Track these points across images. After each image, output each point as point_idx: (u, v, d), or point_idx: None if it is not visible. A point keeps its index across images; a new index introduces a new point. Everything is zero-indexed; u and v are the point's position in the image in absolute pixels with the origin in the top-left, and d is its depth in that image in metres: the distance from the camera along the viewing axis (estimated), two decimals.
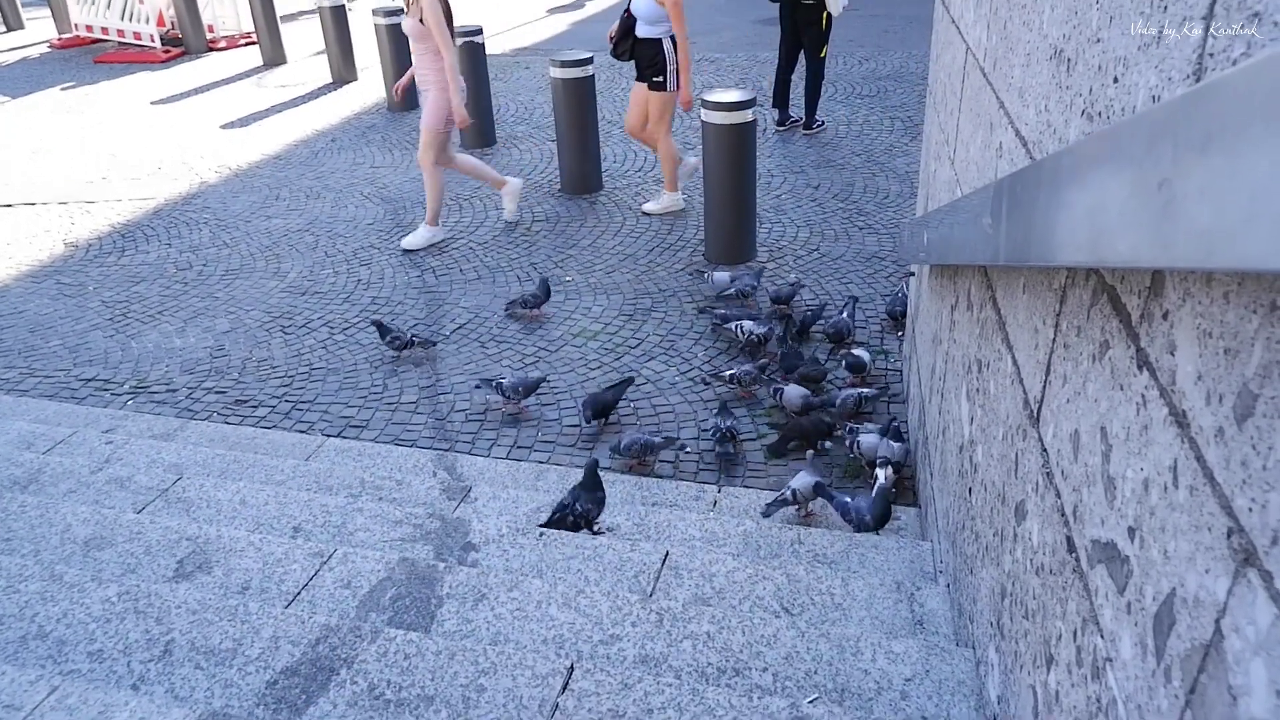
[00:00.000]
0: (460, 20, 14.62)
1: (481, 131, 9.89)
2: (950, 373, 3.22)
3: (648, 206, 7.75)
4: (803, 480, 4.00)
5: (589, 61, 8.21)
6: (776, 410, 5.11)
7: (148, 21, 15.15)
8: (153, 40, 15.18)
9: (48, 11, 18.35)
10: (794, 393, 4.87)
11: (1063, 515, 1.71)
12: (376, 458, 4.77)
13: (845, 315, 5.69)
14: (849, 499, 3.89)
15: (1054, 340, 1.83)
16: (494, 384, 5.21)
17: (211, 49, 15.52)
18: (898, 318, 5.69)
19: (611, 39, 7.36)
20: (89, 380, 5.77)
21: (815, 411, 4.82)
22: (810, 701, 2.48)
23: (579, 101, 8.28)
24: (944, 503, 3.21)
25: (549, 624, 2.92)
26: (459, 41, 9.46)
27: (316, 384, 5.68)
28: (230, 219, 8.47)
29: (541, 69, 12.93)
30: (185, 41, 15.18)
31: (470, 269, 7.22)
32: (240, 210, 8.67)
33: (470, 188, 8.90)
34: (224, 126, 11.31)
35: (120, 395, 5.63)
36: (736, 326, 5.56)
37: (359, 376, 5.75)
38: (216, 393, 5.63)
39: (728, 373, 5.11)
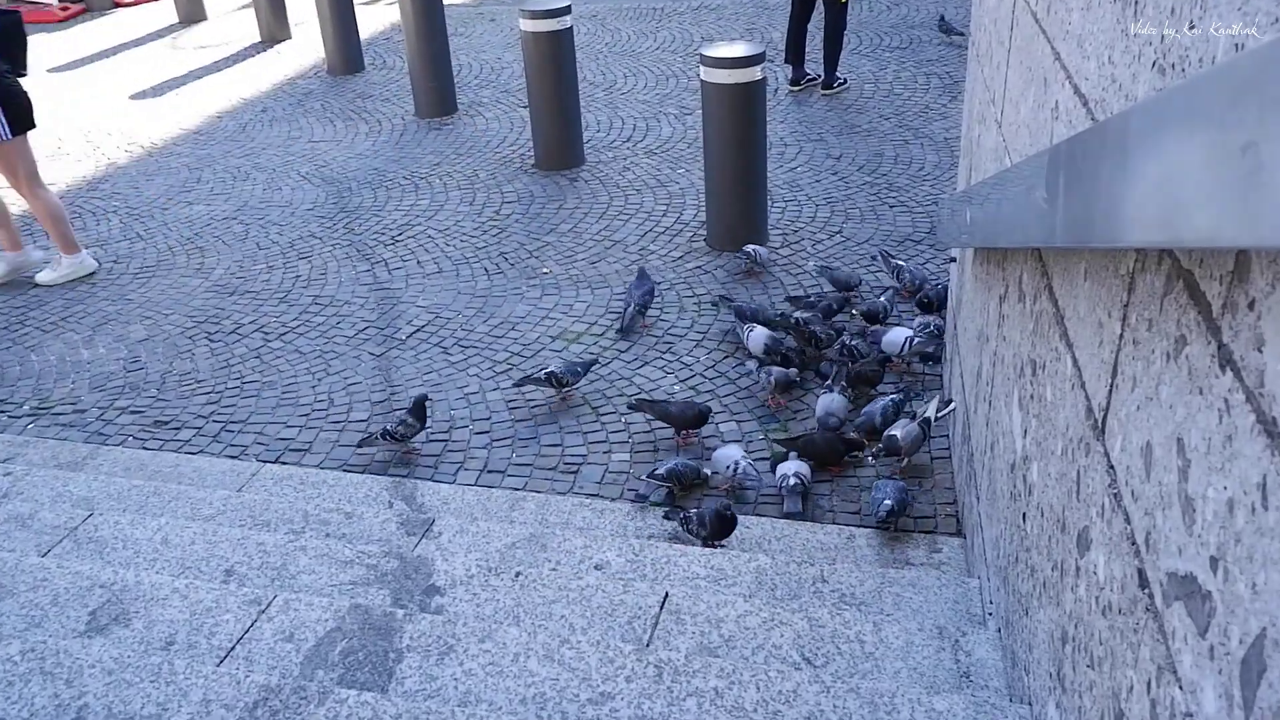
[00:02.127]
0: None
1: (440, 98, 9.92)
2: (999, 376, 3.22)
3: (43, 277, 7.07)
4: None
5: (566, 11, 8.22)
6: (785, 423, 5.12)
7: None
8: None
9: None
10: (828, 403, 4.89)
11: (1133, 544, 1.71)
12: (322, 487, 4.76)
13: (883, 299, 5.88)
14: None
15: (1121, 336, 1.84)
16: (543, 376, 5.30)
17: (118, 5, 15.51)
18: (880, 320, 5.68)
19: None
20: None
21: (836, 431, 4.83)
22: None
23: (555, 59, 8.29)
24: (993, 531, 3.21)
25: (528, 680, 2.91)
26: None
27: (249, 400, 5.67)
28: (144, 206, 8.47)
29: (510, 21, 12.95)
30: None
31: (429, 261, 7.22)
32: (155, 196, 8.67)
33: (428, 164, 8.92)
34: (134, 97, 11.30)
35: (18, 418, 5.61)
36: (747, 331, 5.54)
37: (299, 390, 5.74)
38: (132, 413, 5.62)
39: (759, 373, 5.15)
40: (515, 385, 5.44)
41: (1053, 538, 2.27)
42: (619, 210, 7.84)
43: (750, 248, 6.60)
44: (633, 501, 4.47)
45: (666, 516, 4.24)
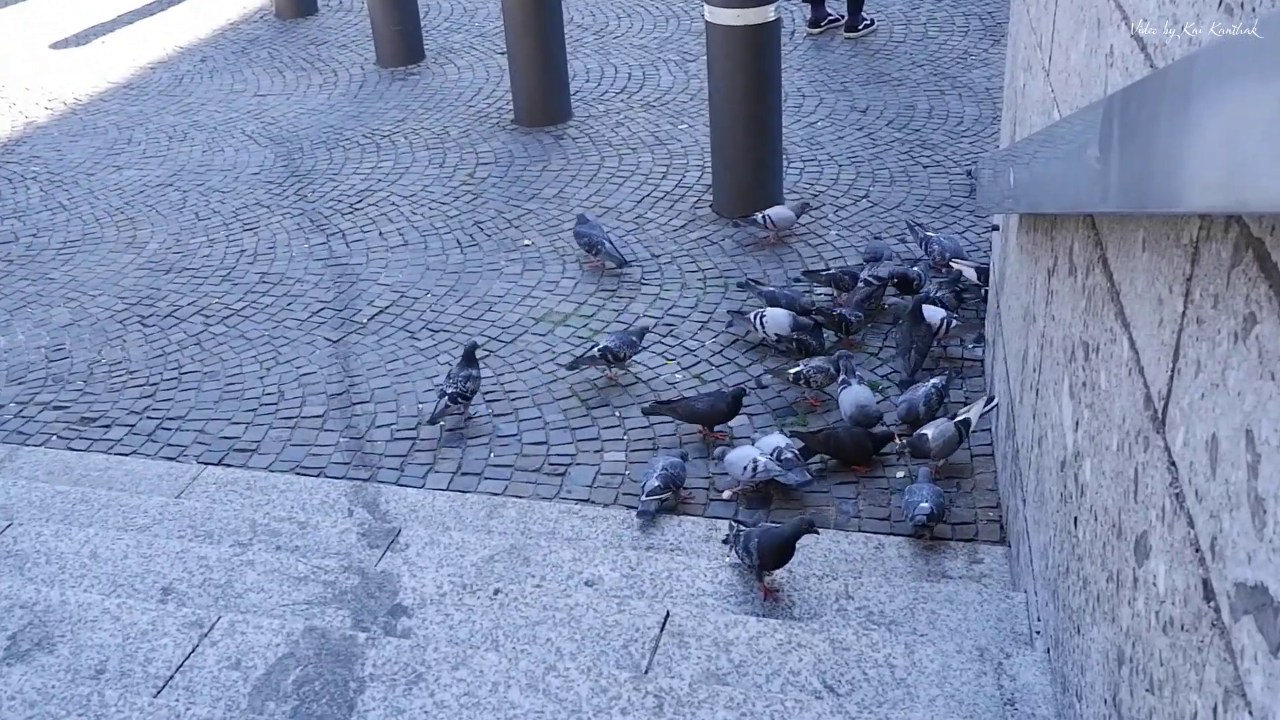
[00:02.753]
0: None
1: (404, 44, 9.90)
2: (1048, 361, 3.23)
3: None
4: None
5: None
6: (803, 416, 5.13)
7: None
8: None
9: None
10: (855, 396, 4.89)
11: (1197, 551, 1.72)
12: (272, 492, 4.78)
13: (916, 269, 5.96)
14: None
15: (1183, 314, 1.84)
16: (593, 354, 5.38)
17: None
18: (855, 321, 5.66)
19: None
20: None
21: (863, 427, 4.84)
22: None
23: None
24: (1041, 538, 3.23)
25: (509, 714, 2.92)
26: None
27: (188, 394, 5.68)
28: (67, 172, 8.46)
29: None
30: None
31: (393, 233, 7.22)
32: (80, 159, 8.66)
33: (392, 121, 8.90)
34: (55, 46, 11.27)
35: None
36: (757, 318, 5.54)
37: (245, 382, 5.75)
38: (55, 408, 5.63)
39: (793, 370, 5.12)
40: (568, 368, 5.50)
41: (1108, 545, 2.28)
42: (611, 172, 7.83)
43: (764, 214, 6.60)
44: (638, 517, 4.47)
45: (727, 541, 4.01)
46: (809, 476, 4.60)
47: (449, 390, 5.18)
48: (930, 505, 4.21)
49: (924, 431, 4.60)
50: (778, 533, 3.78)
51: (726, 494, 4.66)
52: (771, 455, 4.56)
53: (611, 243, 6.52)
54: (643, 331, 5.56)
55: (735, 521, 4.11)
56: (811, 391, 5.25)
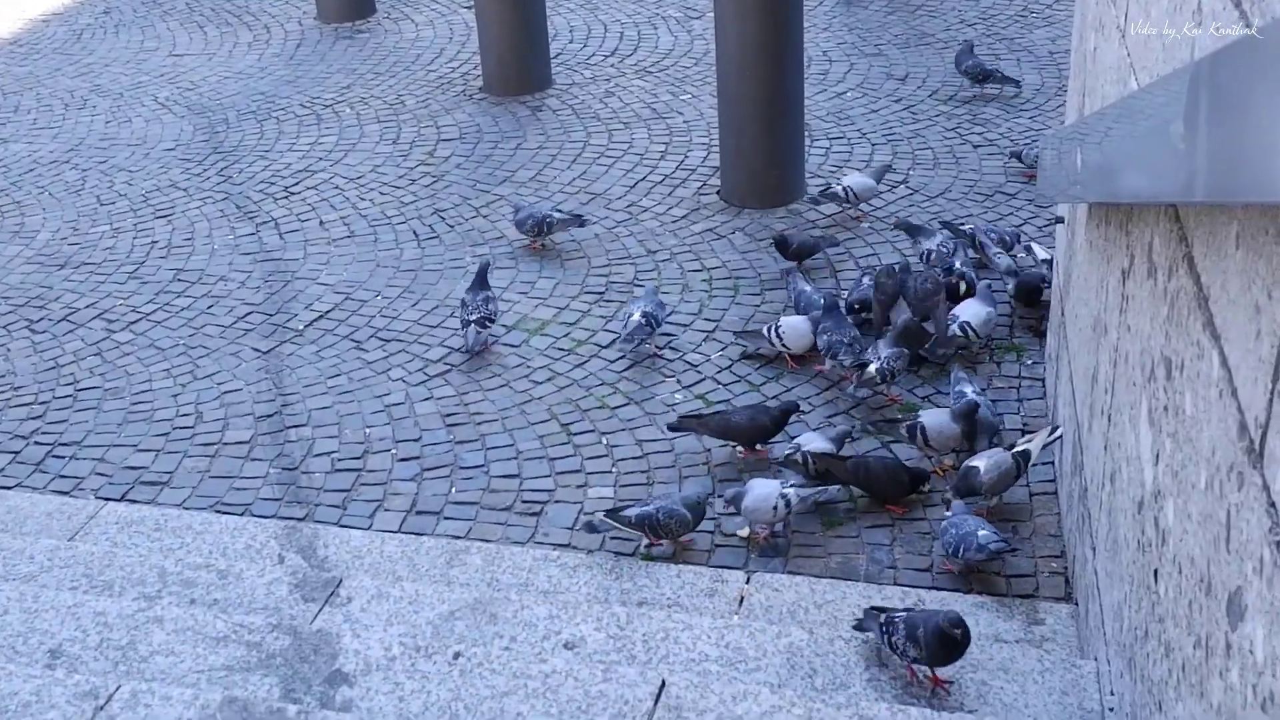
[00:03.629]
0: None
1: None
2: (1122, 380, 3.23)
3: None
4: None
5: None
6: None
7: None
8: None
9: None
10: (940, 422, 4.94)
11: None
12: (186, 534, 4.75)
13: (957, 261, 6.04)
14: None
15: None
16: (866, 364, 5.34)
17: None
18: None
19: None
20: None
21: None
22: None
23: None
24: (1115, 594, 3.22)
25: None
26: None
27: (86, 414, 5.66)
28: None
29: None
30: None
31: (336, 222, 7.22)
32: None
33: (335, 88, 8.90)
34: None
35: None
36: (772, 330, 5.55)
37: (155, 401, 5.73)
38: None
39: (873, 366, 5.23)
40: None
41: (1195, 603, 2.27)
42: (599, 151, 7.83)
43: (843, 184, 6.71)
44: (585, 529, 4.63)
45: (858, 627, 3.90)
46: (837, 489, 4.78)
47: (472, 318, 5.73)
48: (991, 532, 4.23)
49: (974, 464, 4.60)
50: (948, 618, 3.62)
51: (744, 531, 4.67)
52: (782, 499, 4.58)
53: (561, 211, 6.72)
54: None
55: (877, 610, 3.88)
56: (891, 388, 5.36)
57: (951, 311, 5.60)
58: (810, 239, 6.34)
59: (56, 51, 9.88)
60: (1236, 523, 2.01)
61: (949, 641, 3.59)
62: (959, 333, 5.53)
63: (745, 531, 4.69)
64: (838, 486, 4.79)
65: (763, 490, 4.60)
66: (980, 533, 4.23)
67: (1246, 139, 1.61)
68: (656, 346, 5.85)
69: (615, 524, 4.56)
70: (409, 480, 5.13)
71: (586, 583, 4.41)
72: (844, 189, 6.70)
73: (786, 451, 4.99)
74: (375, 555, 4.58)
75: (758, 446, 5.10)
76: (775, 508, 4.55)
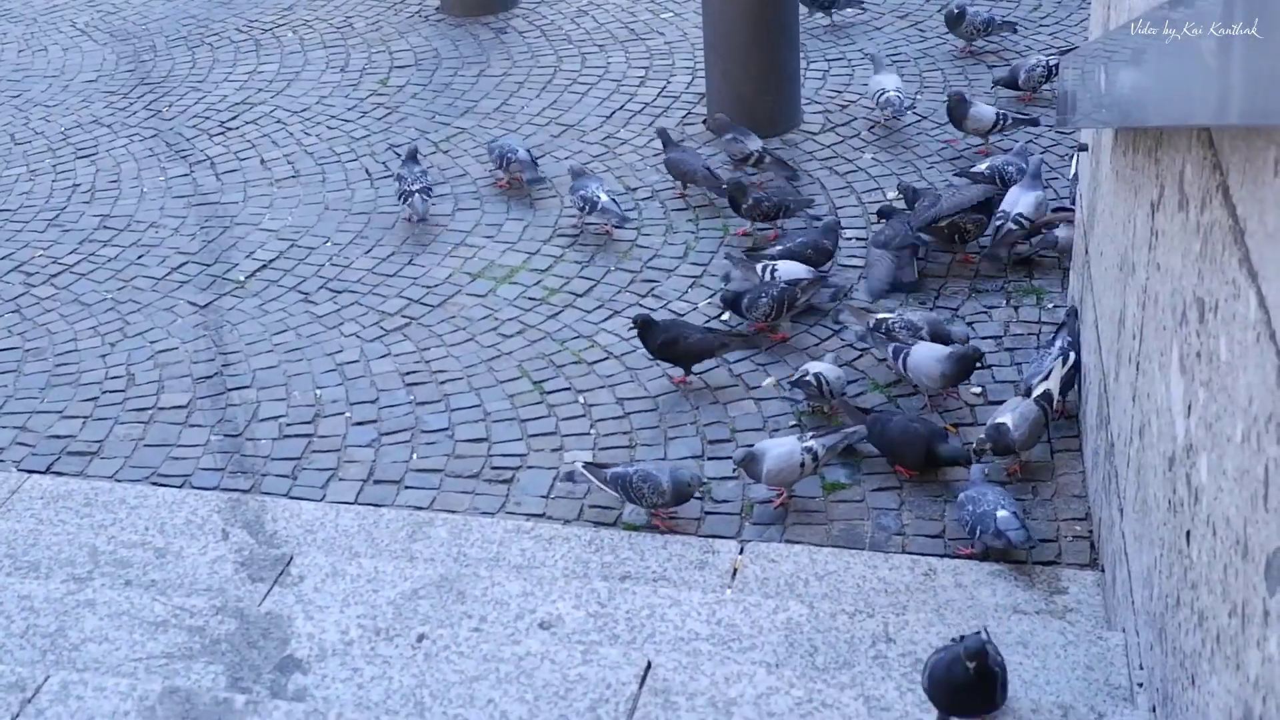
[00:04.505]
0: None
1: None
2: (1151, 325, 3.23)
3: None
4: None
5: None
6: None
7: None
8: None
9: None
10: (926, 356, 5.02)
11: None
12: (119, 509, 4.74)
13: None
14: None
15: None
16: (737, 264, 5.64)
17: None
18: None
19: None
20: None
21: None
22: None
23: None
24: (1144, 559, 3.24)
25: None
26: None
27: (5, 378, 5.64)
28: None
29: None
30: None
31: (279, 160, 7.19)
32: None
33: (275, 9, 8.82)
34: None
35: None
36: (768, 270, 5.56)
37: (82, 361, 5.71)
38: None
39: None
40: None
41: (1230, 567, 2.29)
42: (571, 77, 7.78)
43: (889, 92, 6.81)
44: (566, 481, 4.75)
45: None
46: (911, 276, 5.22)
47: (415, 188, 6.31)
48: (1011, 514, 4.20)
49: (1001, 420, 4.60)
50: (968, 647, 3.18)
51: (776, 502, 4.71)
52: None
53: (528, 152, 6.71)
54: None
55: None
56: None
57: (1001, 206, 5.82)
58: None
59: None
60: (1276, 479, 2.03)
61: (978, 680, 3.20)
62: (1013, 226, 5.74)
63: (776, 504, 4.71)
64: (859, 427, 4.80)
65: (782, 449, 4.62)
66: (1000, 513, 4.22)
67: None
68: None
69: (591, 477, 4.62)
70: (365, 446, 5.12)
71: (564, 556, 4.41)
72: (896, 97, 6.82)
73: (798, 375, 5.08)
74: (329, 529, 4.57)
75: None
76: (802, 464, 4.58)
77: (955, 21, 7.63)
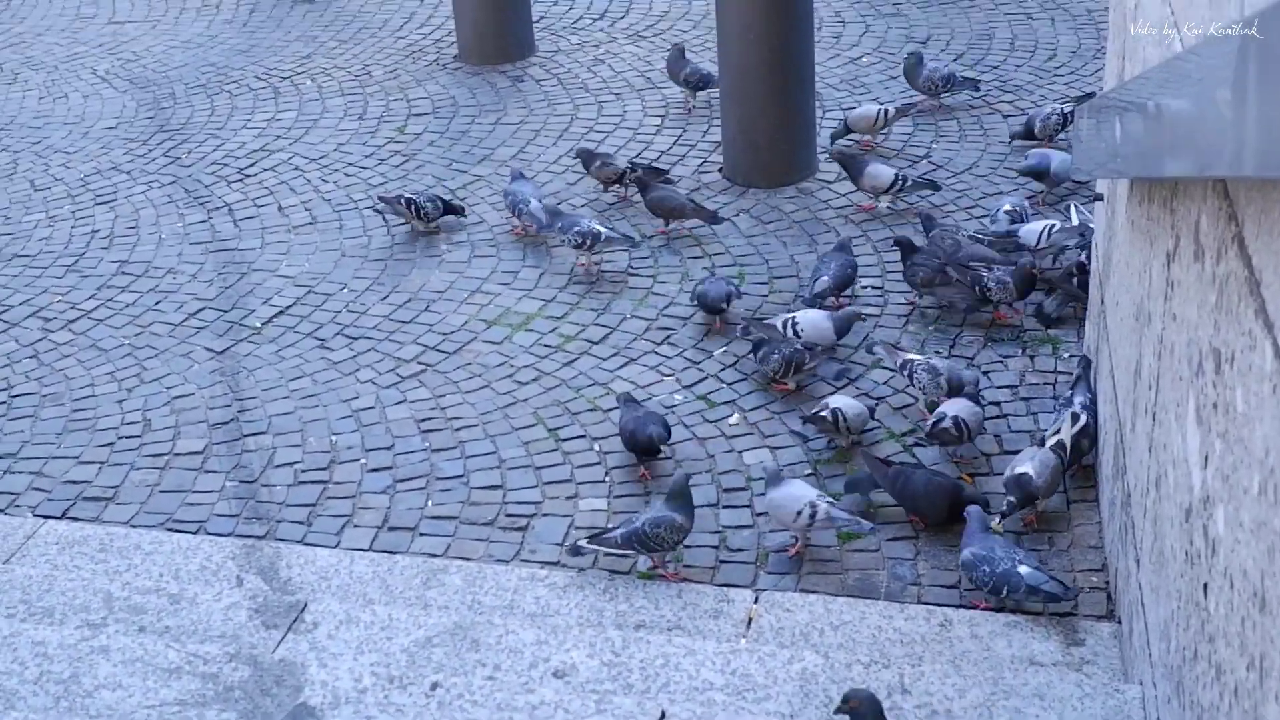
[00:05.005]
0: None
1: None
2: (1167, 375, 3.23)
3: None
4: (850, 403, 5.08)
5: None
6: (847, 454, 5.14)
7: None
8: None
9: None
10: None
11: None
12: (134, 555, 4.74)
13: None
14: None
15: None
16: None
17: None
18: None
19: None
20: None
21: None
22: None
23: None
24: (1161, 611, 3.22)
25: None
26: None
27: (21, 424, 5.65)
28: None
29: None
30: None
31: (297, 207, 7.21)
32: None
33: (294, 57, 8.87)
34: None
35: None
36: (788, 325, 5.54)
37: (99, 407, 5.73)
38: None
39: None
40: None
41: (1248, 620, 2.28)
42: (588, 125, 7.82)
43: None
44: (568, 553, 4.63)
45: None
46: (872, 526, 4.66)
47: (533, 198, 6.47)
48: (1034, 569, 4.19)
49: (1023, 470, 4.57)
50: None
51: (791, 551, 4.69)
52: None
53: (539, 203, 6.66)
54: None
55: None
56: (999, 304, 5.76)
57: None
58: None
59: None
60: None
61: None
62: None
63: (792, 552, 4.70)
64: (872, 526, 4.67)
65: (789, 491, 4.63)
66: (1022, 569, 4.20)
67: None
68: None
69: (599, 548, 4.55)
70: (380, 493, 5.12)
71: (578, 604, 4.40)
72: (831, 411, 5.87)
73: (817, 410, 5.10)
74: (344, 576, 4.57)
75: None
76: (799, 513, 4.56)
77: (913, 72, 7.56)
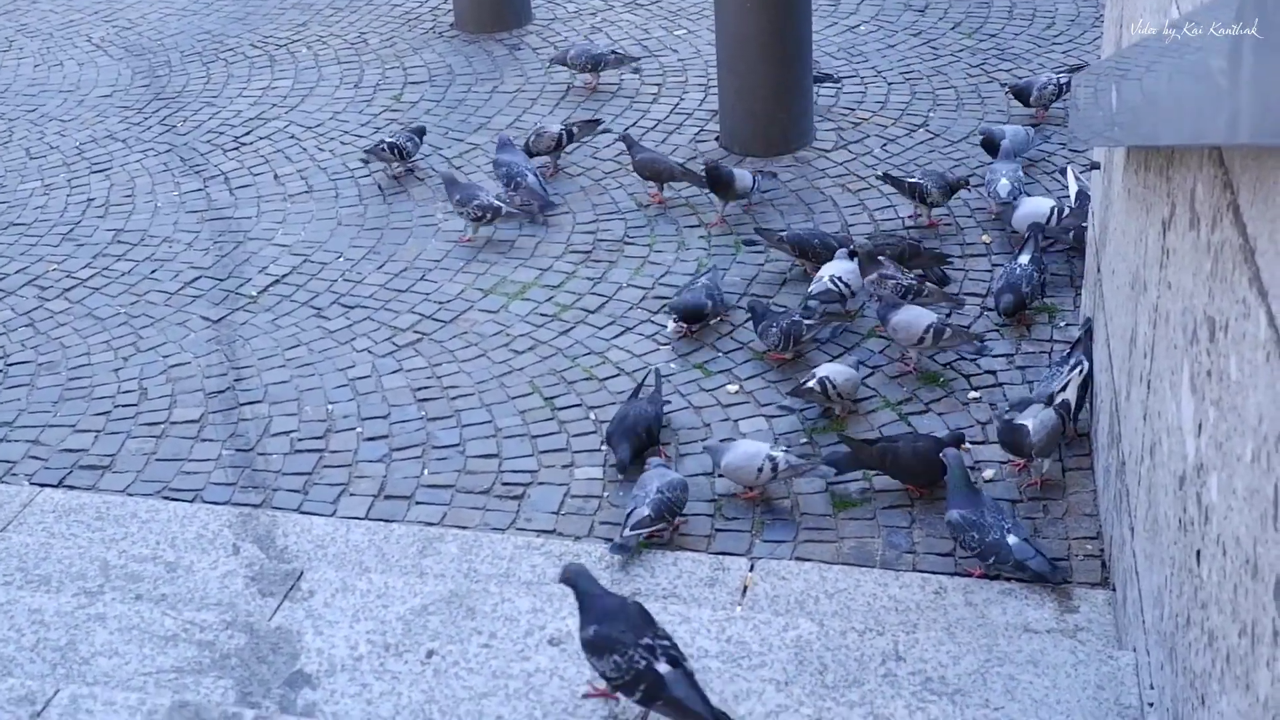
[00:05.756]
0: None
1: None
2: (1162, 343, 3.23)
3: None
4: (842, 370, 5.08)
5: None
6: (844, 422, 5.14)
7: None
8: None
9: None
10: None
11: None
12: (130, 523, 4.75)
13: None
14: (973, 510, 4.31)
15: None
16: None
17: None
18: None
19: None
20: None
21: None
22: None
23: None
24: (1155, 578, 3.23)
25: None
26: None
27: (17, 392, 5.66)
28: None
29: None
30: None
31: (293, 175, 7.21)
32: None
33: (290, 25, 8.83)
34: None
35: None
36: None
37: (95, 375, 5.73)
38: None
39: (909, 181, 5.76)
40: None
41: (1240, 587, 2.28)
42: (584, 94, 7.80)
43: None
44: (614, 553, 4.50)
45: None
46: (836, 470, 4.80)
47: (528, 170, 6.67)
48: (1023, 540, 4.22)
49: (1021, 421, 4.61)
50: None
51: (746, 496, 4.74)
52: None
53: (536, 176, 6.65)
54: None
55: None
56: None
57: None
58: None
59: None
60: None
61: None
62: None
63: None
64: (836, 470, 4.81)
65: (744, 450, 4.66)
66: (1011, 539, 4.22)
67: None
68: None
69: (641, 529, 4.49)
70: (376, 462, 5.13)
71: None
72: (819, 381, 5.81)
73: (804, 381, 5.12)
74: (340, 544, 4.58)
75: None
76: (760, 469, 4.59)
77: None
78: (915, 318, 5.29)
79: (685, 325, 5.70)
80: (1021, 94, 7.08)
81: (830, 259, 5.80)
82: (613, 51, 7.82)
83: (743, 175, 6.40)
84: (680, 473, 4.77)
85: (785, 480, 4.75)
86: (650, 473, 4.68)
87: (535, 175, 6.62)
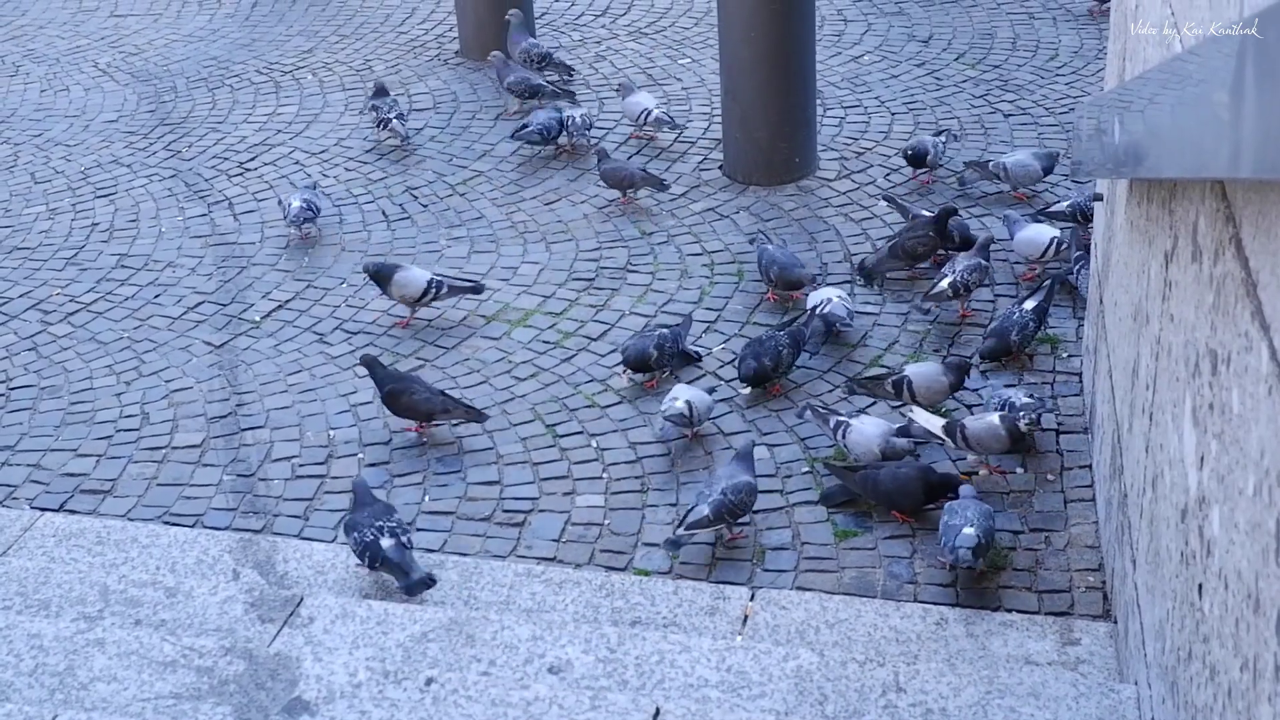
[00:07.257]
0: None
1: None
2: (1164, 375, 3.23)
3: None
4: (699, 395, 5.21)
5: None
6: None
7: None
8: None
9: None
10: (868, 432, 4.98)
11: None
12: (131, 548, 4.74)
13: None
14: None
15: None
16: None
17: None
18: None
19: None
20: None
21: (901, 459, 4.91)
22: None
23: None
24: (1156, 611, 3.22)
25: None
26: None
27: (19, 416, 5.65)
28: None
29: None
30: None
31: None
32: None
33: (295, 52, 8.86)
34: None
35: None
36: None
37: (97, 400, 5.73)
38: None
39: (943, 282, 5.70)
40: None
41: (1242, 621, 2.27)
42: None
43: (1000, 161, 6.69)
44: (665, 546, 4.64)
45: None
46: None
47: (393, 115, 7.33)
48: (976, 532, 4.27)
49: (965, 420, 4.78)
50: None
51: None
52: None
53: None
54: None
55: None
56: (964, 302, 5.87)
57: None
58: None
59: None
60: None
61: None
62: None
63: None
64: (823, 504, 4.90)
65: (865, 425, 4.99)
66: (965, 530, 4.28)
67: None
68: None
69: (695, 529, 4.58)
70: (378, 488, 5.10)
71: (574, 600, 4.40)
72: (999, 166, 6.68)
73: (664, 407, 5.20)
74: (339, 571, 4.58)
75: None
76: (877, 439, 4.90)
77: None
78: (1036, 234, 6.10)
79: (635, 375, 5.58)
80: (980, 165, 6.86)
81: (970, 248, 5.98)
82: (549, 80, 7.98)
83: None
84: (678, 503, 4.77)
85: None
86: (722, 469, 4.75)
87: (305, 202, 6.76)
